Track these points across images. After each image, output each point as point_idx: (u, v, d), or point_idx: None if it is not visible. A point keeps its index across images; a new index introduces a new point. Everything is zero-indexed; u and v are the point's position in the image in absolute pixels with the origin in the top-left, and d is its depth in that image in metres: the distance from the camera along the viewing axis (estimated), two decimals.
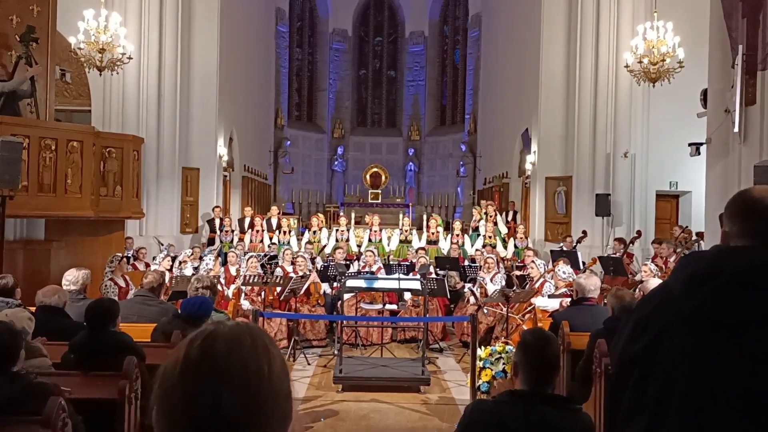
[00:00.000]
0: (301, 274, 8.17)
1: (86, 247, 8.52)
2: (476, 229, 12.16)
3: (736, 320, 1.38)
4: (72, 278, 4.99)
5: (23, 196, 7.15)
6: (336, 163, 24.59)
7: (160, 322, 4.40)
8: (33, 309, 4.15)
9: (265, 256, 10.00)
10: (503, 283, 8.48)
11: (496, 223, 12.41)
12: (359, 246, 11.63)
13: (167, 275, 7.16)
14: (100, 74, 9.69)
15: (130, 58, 9.66)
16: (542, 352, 2.40)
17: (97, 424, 3.08)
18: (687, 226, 10.79)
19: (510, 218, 13.64)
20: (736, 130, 7.26)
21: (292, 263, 8.70)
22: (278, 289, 8.00)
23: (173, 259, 8.83)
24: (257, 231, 11.95)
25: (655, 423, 1.42)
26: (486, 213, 12.84)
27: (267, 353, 0.94)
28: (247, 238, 11.87)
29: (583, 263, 10.07)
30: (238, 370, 0.90)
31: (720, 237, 1.63)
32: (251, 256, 8.52)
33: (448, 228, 12.30)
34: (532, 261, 8.32)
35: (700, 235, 9.42)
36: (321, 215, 12.92)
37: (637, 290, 5.93)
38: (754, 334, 1.36)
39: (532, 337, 2.52)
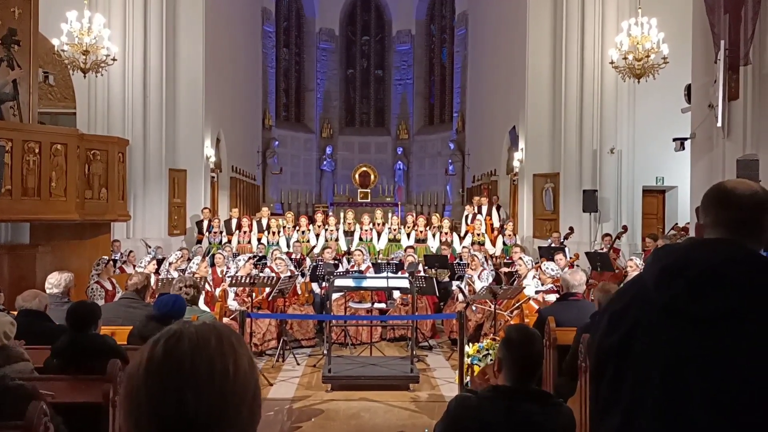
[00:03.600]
0: (288, 274, 8.16)
1: (72, 251, 8.45)
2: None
3: (710, 313, 1.38)
4: (54, 281, 4.95)
5: (7, 200, 7.09)
6: (325, 162, 24.55)
7: (135, 325, 4.35)
8: (15, 314, 4.11)
9: (255, 256, 9.97)
10: (491, 279, 8.50)
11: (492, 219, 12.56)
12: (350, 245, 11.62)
13: (153, 278, 7.12)
14: (85, 76, 9.62)
15: (114, 59, 9.59)
16: (525, 349, 2.41)
17: (82, 429, 3.05)
18: (683, 224, 10.86)
19: (493, 214, 13.72)
20: (719, 124, 7.32)
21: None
22: (267, 289, 7.98)
23: (159, 261, 8.78)
24: (244, 232, 11.91)
25: (630, 416, 1.43)
26: (479, 207, 12.94)
27: (233, 352, 0.93)
28: (234, 239, 11.82)
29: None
30: (203, 370, 0.89)
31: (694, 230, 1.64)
32: (249, 258, 8.49)
33: (428, 224, 12.31)
34: (520, 258, 8.35)
35: (685, 230, 9.49)
36: (290, 214, 12.76)
37: (622, 285, 5.96)
38: (728, 327, 1.37)
39: (516, 334, 2.52)
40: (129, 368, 0.93)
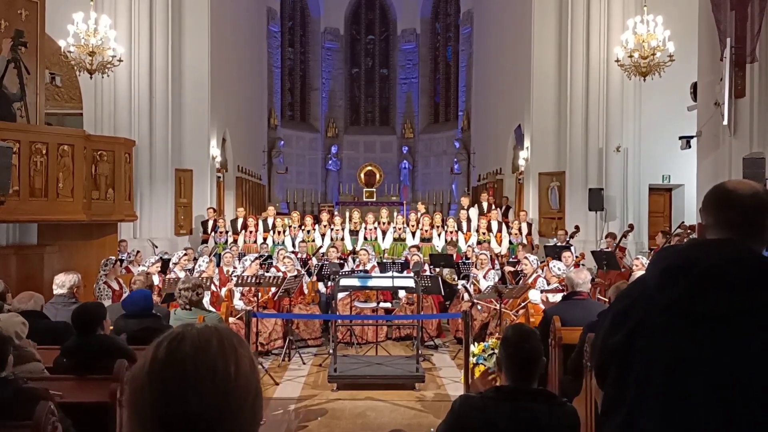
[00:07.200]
0: (294, 273, 8.18)
1: (79, 251, 8.49)
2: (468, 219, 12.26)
3: (712, 313, 1.39)
4: (60, 282, 4.99)
5: (15, 201, 7.13)
6: (330, 162, 24.57)
7: (115, 324, 4.40)
8: None
9: (261, 256, 9.99)
10: (497, 279, 8.49)
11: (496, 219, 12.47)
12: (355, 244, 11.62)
13: (157, 278, 7.16)
14: (91, 77, 9.67)
15: (120, 60, 9.64)
16: (521, 347, 2.41)
17: (89, 428, 3.08)
18: (690, 223, 10.82)
19: (503, 214, 13.64)
20: (725, 122, 7.29)
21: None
22: (273, 289, 8.00)
23: (165, 261, 8.81)
24: (250, 231, 11.93)
25: (634, 415, 1.44)
26: (480, 205, 12.88)
27: (234, 354, 0.95)
28: (240, 238, 11.85)
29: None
30: (205, 371, 0.91)
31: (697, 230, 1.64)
32: (255, 258, 8.51)
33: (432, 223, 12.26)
34: (525, 257, 8.33)
35: (692, 228, 9.46)
36: (296, 213, 12.81)
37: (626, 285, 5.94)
38: (729, 326, 1.37)
39: (511, 333, 2.54)
40: (133, 370, 0.96)
